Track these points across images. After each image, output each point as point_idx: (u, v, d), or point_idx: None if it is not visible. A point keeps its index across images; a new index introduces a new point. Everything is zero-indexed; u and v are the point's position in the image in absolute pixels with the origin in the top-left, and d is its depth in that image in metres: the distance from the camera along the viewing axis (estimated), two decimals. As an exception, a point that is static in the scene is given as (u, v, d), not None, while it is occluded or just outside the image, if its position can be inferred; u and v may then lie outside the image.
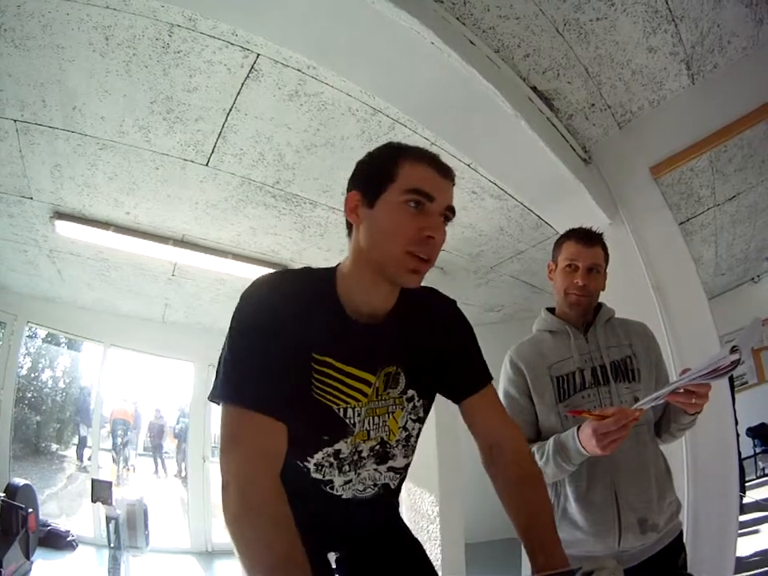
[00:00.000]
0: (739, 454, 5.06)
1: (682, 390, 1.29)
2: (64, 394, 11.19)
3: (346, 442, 1.05)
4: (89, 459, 9.73)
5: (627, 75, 2.79)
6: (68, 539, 5.44)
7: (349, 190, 1.07)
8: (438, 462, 3.98)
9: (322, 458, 1.05)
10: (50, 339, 10.37)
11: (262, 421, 0.90)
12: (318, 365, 1.01)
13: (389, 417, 1.10)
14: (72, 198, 3.76)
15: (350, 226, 1.09)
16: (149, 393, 11.83)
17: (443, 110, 2.42)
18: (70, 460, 9.88)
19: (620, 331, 1.71)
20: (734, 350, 1.14)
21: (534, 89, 2.77)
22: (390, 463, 1.14)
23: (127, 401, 10.80)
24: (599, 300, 1.76)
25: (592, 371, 1.62)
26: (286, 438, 0.92)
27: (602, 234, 1.74)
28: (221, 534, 7.00)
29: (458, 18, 2.32)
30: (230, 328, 0.98)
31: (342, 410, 1.03)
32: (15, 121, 2.93)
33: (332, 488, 1.08)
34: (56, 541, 5.31)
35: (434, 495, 4.02)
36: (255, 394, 0.91)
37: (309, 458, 1.04)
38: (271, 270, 3.25)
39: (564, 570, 0.94)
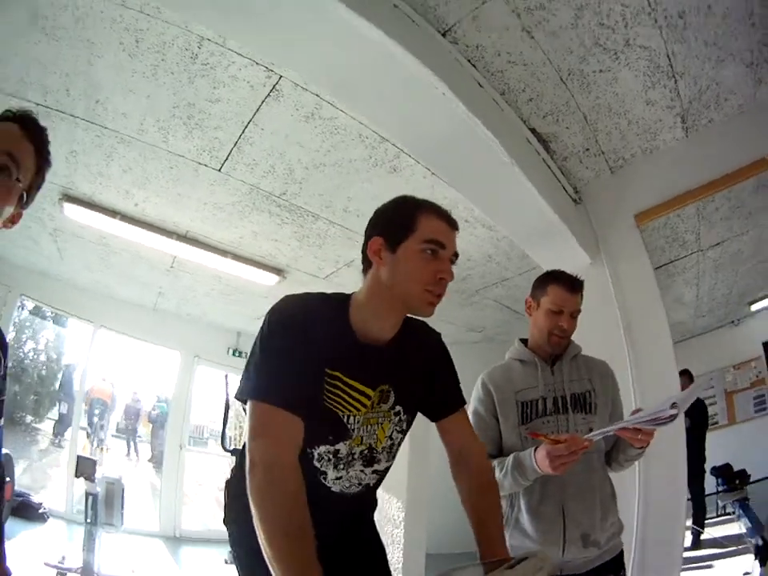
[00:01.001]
0: (703, 491, 5.22)
1: (630, 427, 1.47)
2: (44, 367, 11.16)
3: (345, 444, 1.24)
4: (63, 435, 9.76)
5: (623, 124, 2.93)
6: (39, 511, 5.50)
7: (370, 235, 1.26)
8: (407, 472, 4.06)
9: (324, 452, 1.23)
10: (36, 312, 10.38)
11: (287, 416, 1.08)
12: (330, 378, 1.19)
13: (378, 427, 1.28)
14: (84, 184, 3.86)
15: (367, 264, 1.27)
16: (127, 375, 11.85)
17: (444, 151, 2.57)
18: (44, 434, 9.84)
19: (583, 367, 1.87)
20: (673, 405, 1.31)
21: (534, 131, 2.94)
22: (375, 466, 1.32)
23: (106, 380, 10.78)
24: None
25: (554, 400, 1.77)
26: (303, 430, 1.11)
27: (583, 281, 1.89)
28: (190, 521, 7.14)
29: (469, 60, 2.50)
30: (261, 338, 1.17)
31: (345, 416, 1.22)
32: (37, 104, 2.99)
33: (325, 479, 1.26)
34: (28, 512, 5.36)
35: (401, 501, 4.12)
36: (283, 394, 1.09)
37: (315, 447, 1.22)
38: (270, 274, 3.38)
39: (501, 558, 1.14)
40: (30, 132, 1.10)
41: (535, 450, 1.56)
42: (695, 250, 4.47)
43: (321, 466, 1.25)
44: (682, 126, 2.95)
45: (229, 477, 1.51)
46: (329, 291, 1.32)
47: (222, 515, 1.47)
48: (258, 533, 0.99)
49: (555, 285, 1.84)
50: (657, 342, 2.91)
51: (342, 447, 1.24)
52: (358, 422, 1.24)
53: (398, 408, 1.30)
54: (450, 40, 2.40)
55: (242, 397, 1.15)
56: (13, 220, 1.13)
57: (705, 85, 2.67)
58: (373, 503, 1.50)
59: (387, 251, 1.22)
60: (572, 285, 1.84)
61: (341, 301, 1.27)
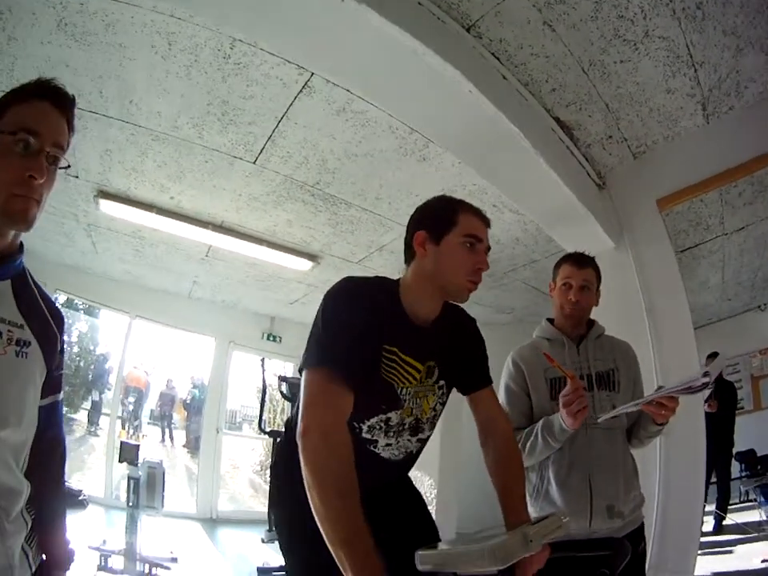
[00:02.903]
0: (729, 475, 5.23)
1: (654, 402, 1.58)
2: (78, 358, 11.41)
3: (396, 413, 1.37)
4: (98, 423, 10.04)
5: (645, 112, 2.97)
6: (80, 498, 5.71)
7: (415, 228, 1.42)
8: (439, 452, 4.19)
9: (375, 422, 1.35)
10: (68, 304, 10.62)
11: (340, 387, 1.19)
12: (386, 353, 1.33)
13: (423, 399, 1.42)
14: (119, 180, 3.98)
15: (411, 254, 1.42)
16: (162, 362, 12.10)
17: (472, 144, 2.68)
18: (79, 423, 10.11)
19: (607, 347, 1.97)
20: (705, 374, 1.40)
21: (557, 119, 3.00)
22: (419, 435, 1.45)
23: (140, 368, 11.02)
24: (593, 318, 2.03)
25: (579, 378, 1.85)
26: (353, 403, 1.22)
27: (593, 257, 2.03)
28: (226, 503, 7.35)
29: (493, 54, 2.57)
30: (322, 314, 1.28)
31: (399, 388, 1.35)
32: None
33: (375, 447, 1.39)
34: (68, 498, 5.52)
35: (433, 479, 4.25)
36: (340, 362, 1.20)
37: (365, 420, 1.34)
38: (304, 260, 3.51)
39: (524, 520, 1.30)
40: (63, 109, 1.10)
41: None
42: (719, 234, 4.45)
43: (372, 436, 1.37)
44: (702, 113, 2.97)
45: (274, 461, 1.65)
46: (362, 274, 1.45)
47: (268, 497, 1.61)
48: (309, 494, 1.10)
49: (564, 263, 2.01)
50: (678, 324, 2.97)
51: (393, 416, 1.36)
52: (409, 393, 1.37)
53: (441, 382, 1.44)
54: (474, 35, 2.47)
55: (302, 367, 1.26)
56: None
57: (725, 73, 2.68)
58: (409, 468, 1.62)
59: (431, 243, 1.37)
60: (578, 260, 1.99)
61: (392, 285, 1.41)
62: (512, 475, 1.43)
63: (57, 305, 1.22)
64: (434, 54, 2.06)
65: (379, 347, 1.32)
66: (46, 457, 1.18)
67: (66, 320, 1.23)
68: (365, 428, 1.35)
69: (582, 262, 1.98)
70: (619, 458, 1.84)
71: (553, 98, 2.87)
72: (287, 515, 1.47)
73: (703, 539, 3.63)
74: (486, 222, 1.44)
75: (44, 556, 1.15)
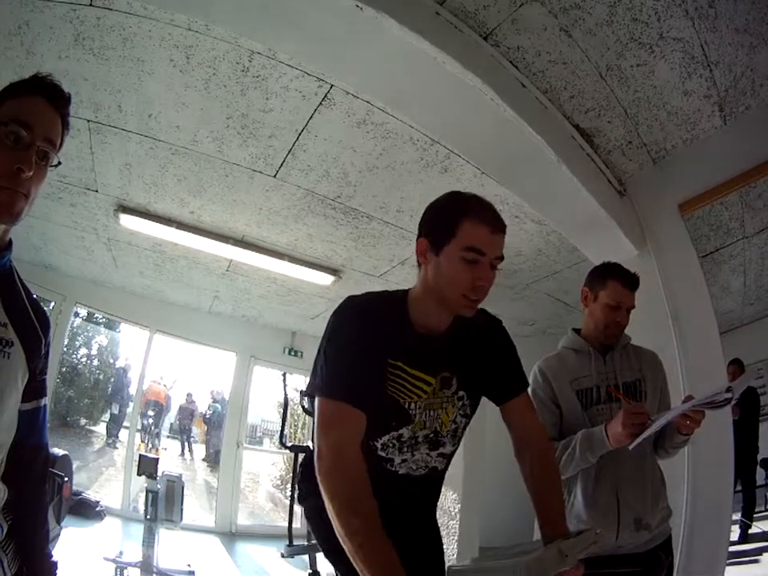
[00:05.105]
0: (755, 483, 5.13)
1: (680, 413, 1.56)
2: (98, 372, 11.53)
3: (408, 429, 1.34)
4: (117, 436, 10.12)
5: (663, 116, 2.93)
6: (97, 509, 5.78)
7: (418, 235, 1.33)
8: (463, 465, 4.14)
9: (388, 440, 1.33)
10: (89, 318, 10.74)
11: (350, 410, 1.19)
12: (392, 368, 1.29)
13: (442, 411, 1.37)
14: (138, 194, 4.01)
15: (419, 263, 1.35)
16: (182, 377, 12.20)
17: (494, 153, 2.68)
18: (98, 435, 10.21)
19: (633, 357, 1.94)
20: (728, 389, 1.37)
21: (577, 127, 2.97)
22: (441, 450, 1.41)
23: (160, 382, 11.11)
24: None
25: (606, 389, 1.84)
26: (365, 422, 1.22)
27: (639, 277, 1.96)
28: (245, 517, 7.33)
29: (511, 62, 2.55)
30: (326, 338, 1.29)
31: (407, 403, 1.31)
32: (88, 121, 3.14)
33: (392, 465, 1.36)
34: (85, 510, 5.63)
35: (457, 494, 4.21)
36: (346, 391, 1.20)
37: (378, 439, 1.33)
38: (325, 275, 3.49)
39: (562, 534, 1.25)
40: (58, 106, 1.08)
41: (606, 425, 1.65)
42: (740, 237, 4.36)
43: (386, 454, 1.35)
44: (719, 114, 2.92)
45: (300, 475, 1.63)
46: (384, 289, 1.42)
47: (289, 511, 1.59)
48: (329, 513, 1.11)
49: (615, 281, 1.90)
50: (704, 331, 2.92)
51: (405, 432, 1.33)
52: (419, 407, 1.33)
53: (461, 393, 1.38)
54: (492, 43, 2.46)
55: (310, 394, 1.29)
56: None
57: (740, 72, 2.64)
58: (437, 492, 1.59)
59: (431, 253, 1.27)
60: (631, 282, 1.92)
61: (399, 297, 1.37)
62: (549, 486, 1.38)
63: (43, 307, 1.20)
64: (455, 61, 2.06)
65: (384, 364, 1.28)
66: (27, 463, 1.15)
67: (51, 323, 1.21)
68: (379, 446, 1.34)
69: (634, 284, 1.92)
70: (647, 469, 1.82)
71: (572, 105, 2.84)
72: (318, 529, 1.47)
73: (729, 548, 3.57)
74: (497, 229, 1.24)
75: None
